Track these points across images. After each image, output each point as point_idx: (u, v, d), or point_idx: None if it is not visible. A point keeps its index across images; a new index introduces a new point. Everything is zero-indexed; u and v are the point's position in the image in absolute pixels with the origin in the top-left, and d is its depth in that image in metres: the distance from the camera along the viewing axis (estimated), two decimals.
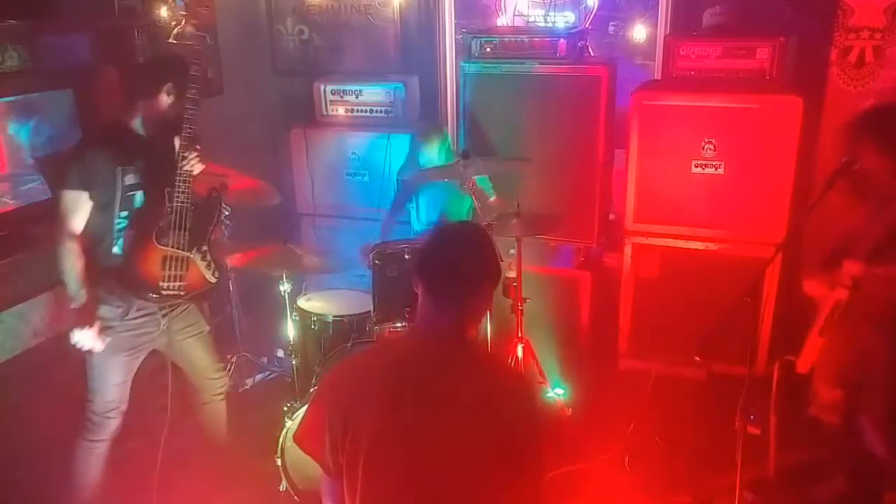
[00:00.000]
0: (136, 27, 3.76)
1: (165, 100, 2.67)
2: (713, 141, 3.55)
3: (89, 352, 2.67)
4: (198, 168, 2.71)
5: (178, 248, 2.67)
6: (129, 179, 2.62)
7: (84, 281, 2.58)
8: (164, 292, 2.68)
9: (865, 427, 2.76)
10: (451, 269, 1.73)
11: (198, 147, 2.68)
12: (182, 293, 2.72)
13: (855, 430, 2.76)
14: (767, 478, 3.05)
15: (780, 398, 3.00)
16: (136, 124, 2.67)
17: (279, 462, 2.95)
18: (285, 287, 3.24)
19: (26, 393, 2.95)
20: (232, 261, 3.35)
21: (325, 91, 4.61)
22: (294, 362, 3.30)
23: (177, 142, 2.71)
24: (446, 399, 1.64)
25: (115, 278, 2.65)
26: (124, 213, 2.64)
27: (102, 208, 2.59)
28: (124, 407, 2.80)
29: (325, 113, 4.65)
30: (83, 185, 2.55)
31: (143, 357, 2.83)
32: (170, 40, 3.91)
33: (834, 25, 3.79)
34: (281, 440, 2.97)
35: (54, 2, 3.27)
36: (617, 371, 3.92)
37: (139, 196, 2.66)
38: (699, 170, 3.61)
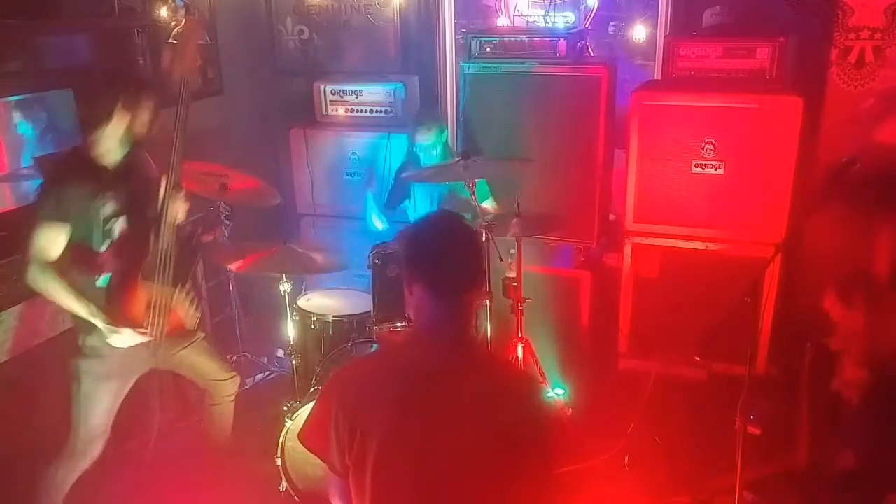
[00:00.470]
0: (136, 27, 3.77)
1: (122, 120, 2.54)
2: (713, 141, 3.55)
3: (77, 378, 2.61)
4: (182, 212, 2.68)
5: (163, 286, 2.61)
6: (107, 210, 2.55)
7: (86, 296, 2.52)
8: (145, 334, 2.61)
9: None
10: (450, 261, 1.68)
11: (182, 188, 2.64)
12: (162, 336, 2.64)
13: (870, 411, 2.77)
14: (766, 477, 3.05)
15: (812, 382, 3.01)
16: (104, 151, 2.57)
17: (279, 462, 2.95)
18: (285, 287, 3.24)
19: (26, 393, 2.95)
20: (233, 267, 3.35)
21: (325, 91, 4.61)
22: (294, 362, 3.30)
23: (163, 182, 2.66)
24: (453, 402, 1.64)
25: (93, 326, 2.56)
26: (105, 244, 2.58)
27: (82, 240, 2.52)
28: (108, 432, 2.74)
29: (325, 113, 4.66)
30: (61, 218, 2.47)
31: (133, 381, 2.78)
32: (170, 40, 3.94)
33: (834, 25, 3.79)
34: (281, 440, 2.97)
35: (54, 2, 3.27)
36: (617, 371, 3.91)
37: (118, 225, 2.60)
38: (699, 170, 3.60)
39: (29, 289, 2.55)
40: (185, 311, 2.72)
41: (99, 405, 2.68)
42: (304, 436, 1.81)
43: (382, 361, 1.86)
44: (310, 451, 1.79)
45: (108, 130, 2.54)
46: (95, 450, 2.72)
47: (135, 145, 2.63)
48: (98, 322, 2.53)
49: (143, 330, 2.58)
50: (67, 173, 2.55)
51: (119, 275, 2.60)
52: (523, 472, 1.64)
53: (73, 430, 2.68)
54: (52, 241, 2.47)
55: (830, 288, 2.83)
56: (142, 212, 2.66)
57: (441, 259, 1.69)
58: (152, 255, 2.60)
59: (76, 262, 2.53)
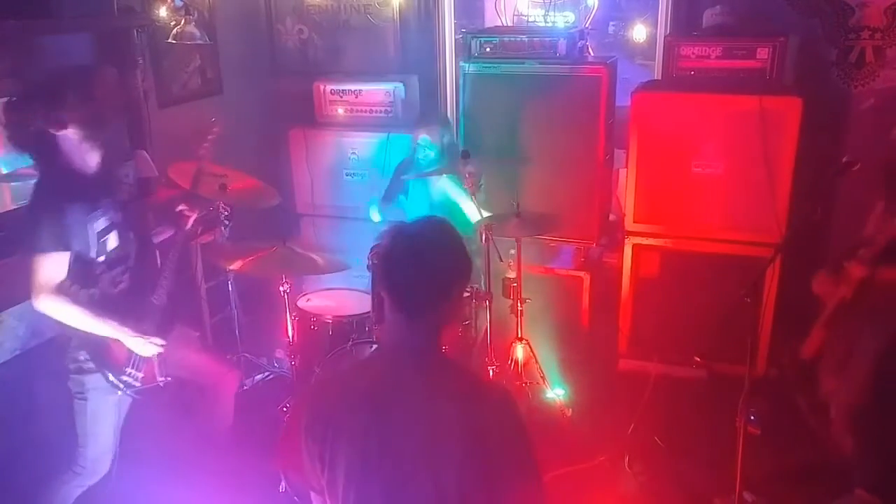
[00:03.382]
0: (136, 27, 3.76)
1: (70, 135, 2.41)
2: (713, 141, 3.55)
3: (83, 396, 2.57)
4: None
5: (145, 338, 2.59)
6: (100, 224, 2.49)
7: (102, 315, 2.47)
8: (124, 378, 2.57)
9: (835, 418, 2.82)
10: (419, 274, 1.58)
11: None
12: (139, 384, 2.61)
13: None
14: (766, 477, 3.05)
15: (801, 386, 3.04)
16: (80, 161, 2.46)
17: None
18: (285, 287, 3.24)
19: (26, 393, 2.95)
20: (233, 267, 3.34)
21: (324, 91, 4.61)
22: (294, 362, 3.30)
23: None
24: (423, 420, 1.58)
25: (87, 347, 2.54)
26: (101, 259, 2.52)
27: (79, 259, 2.44)
28: (117, 447, 2.69)
29: (324, 113, 4.65)
30: (59, 245, 2.38)
31: None
32: (169, 40, 3.94)
33: (834, 25, 3.80)
34: (281, 440, 2.96)
35: (54, 2, 3.27)
36: (617, 371, 3.91)
37: (112, 237, 2.54)
38: (699, 170, 3.61)
39: (29, 288, 2.52)
40: (156, 369, 2.64)
41: (108, 421, 2.64)
42: (280, 457, 1.77)
43: (350, 381, 1.77)
44: (285, 471, 1.76)
45: (62, 135, 2.42)
46: (105, 467, 2.69)
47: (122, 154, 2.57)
48: (124, 335, 2.50)
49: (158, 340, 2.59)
50: (55, 198, 2.41)
51: (115, 288, 2.56)
52: (500, 486, 1.57)
53: (81, 449, 2.63)
54: (56, 269, 2.39)
55: (822, 270, 2.85)
56: (135, 222, 2.63)
57: (409, 271, 1.58)
58: (146, 305, 2.61)
59: (72, 276, 2.45)
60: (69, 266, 2.42)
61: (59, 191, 2.44)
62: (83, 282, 2.49)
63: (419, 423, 1.58)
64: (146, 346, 2.57)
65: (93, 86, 2.45)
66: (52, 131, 2.40)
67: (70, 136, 2.43)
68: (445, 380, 1.65)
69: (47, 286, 2.39)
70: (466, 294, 3.22)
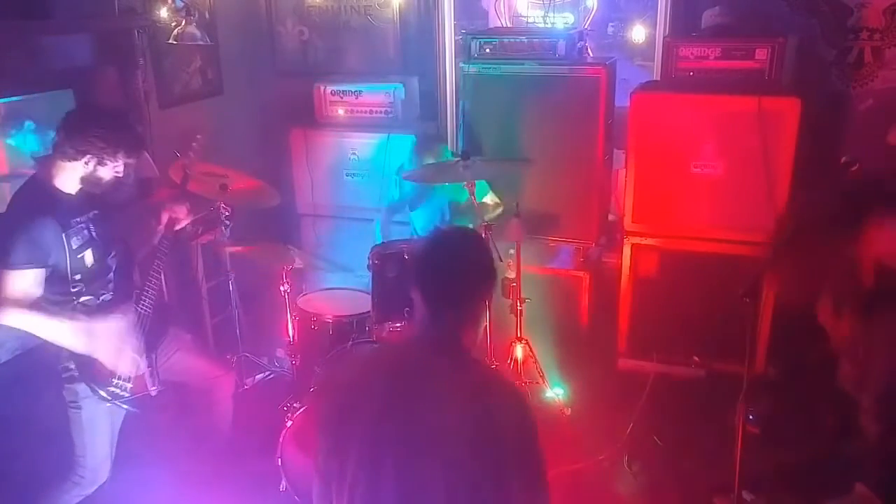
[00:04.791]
0: (136, 27, 3.77)
1: (86, 169, 2.44)
2: (712, 141, 3.56)
3: (77, 404, 2.56)
4: (184, 213, 2.74)
5: (133, 351, 2.58)
6: (75, 242, 2.46)
7: (79, 330, 2.42)
8: (110, 389, 2.54)
9: (866, 406, 2.80)
10: (448, 277, 1.74)
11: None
12: (128, 394, 2.58)
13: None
14: (765, 476, 3.06)
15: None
16: (64, 182, 2.47)
17: (279, 462, 2.95)
18: (285, 287, 3.25)
19: (26, 393, 2.95)
20: (233, 249, 3.35)
21: (325, 92, 4.62)
22: (294, 362, 3.31)
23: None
24: (436, 412, 1.64)
25: (74, 357, 2.50)
26: (77, 276, 2.49)
27: (55, 275, 2.43)
28: (114, 453, 2.70)
29: (325, 114, 4.66)
30: (34, 261, 2.34)
31: None
32: (170, 41, 3.95)
33: (833, 26, 3.81)
34: (281, 440, 2.97)
35: (55, 2, 3.28)
36: (616, 371, 3.92)
37: (89, 254, 2.51)
38: (698, 170, 3.61)
39: None
40: (147, 378, 2.64)
41: (104, 429, 2.63)
42: (294, 432, 1.81)
43: (370, 367, 1.89)
44: (300, 449, 1.79)
45: (71, 165, 2.44)
46: (104, 475, 2.69)
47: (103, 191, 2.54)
48: (103, 352, 2.47)
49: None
50: (32, 212, 2.39)
51: (97, 301, 2.55)
52: (508, 483, 1.62)
53: (80, 459, 2.63)
54: (31, 285, 2.35)
55: (826, 298, 2.85)
56: (122, 231, 2.64)
57: (439, 274, 1.76)
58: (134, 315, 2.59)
59: (47, 291, 2.42)
60: (44, 281, 2.38)
61: (38, 208, 2.40)
62: (58, 296, 2.46)
63: (432, 414, 1.63)
64: (125, 362, 2.54)
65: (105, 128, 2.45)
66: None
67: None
68: (461, 374, 1.72)
69: (15, 301, 2.33)
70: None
